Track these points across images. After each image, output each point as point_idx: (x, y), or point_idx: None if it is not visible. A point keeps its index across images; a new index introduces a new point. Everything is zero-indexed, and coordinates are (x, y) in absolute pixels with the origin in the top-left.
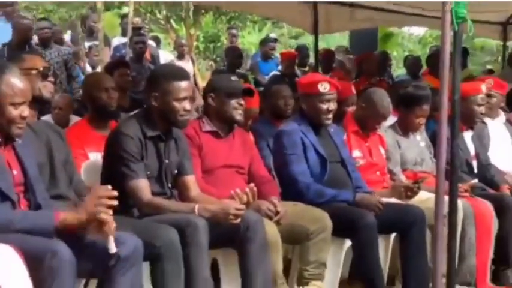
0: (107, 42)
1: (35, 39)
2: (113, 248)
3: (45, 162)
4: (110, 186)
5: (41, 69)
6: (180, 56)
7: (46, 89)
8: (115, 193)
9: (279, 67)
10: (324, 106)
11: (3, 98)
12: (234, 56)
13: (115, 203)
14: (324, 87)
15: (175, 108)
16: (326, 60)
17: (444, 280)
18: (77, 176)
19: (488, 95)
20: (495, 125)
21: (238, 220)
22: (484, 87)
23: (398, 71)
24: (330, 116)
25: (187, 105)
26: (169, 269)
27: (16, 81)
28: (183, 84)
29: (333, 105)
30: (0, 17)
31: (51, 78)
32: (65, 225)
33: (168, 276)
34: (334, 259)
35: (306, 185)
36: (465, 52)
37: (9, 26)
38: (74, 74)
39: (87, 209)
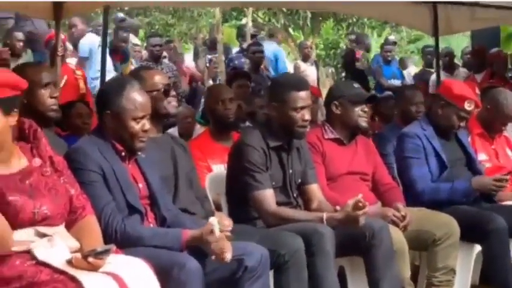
0: (228, 53)
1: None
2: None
3: (170, 176)
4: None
5: (162, 88)
6: (305, 58)
7: (171, 105)
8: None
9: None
10: (459, 120)
11: (125, 113)
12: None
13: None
14: (469, 105)
15: (294, 119)
16: (479, 58)
17: None
18: (199, 187)
19: None
20: None
21: (362, 222)
22: None
23: None
24: (459, 128)
25: (306, 115)
26: (294, 277)
27: (136, 96)
28: (302, 94)
29: (465, 121)
30: None
31: (174, 92)
32: (191, 244)
33: (293, 284)
34: (463, 265)
35: (422, 188)
36: None
37: None
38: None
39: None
